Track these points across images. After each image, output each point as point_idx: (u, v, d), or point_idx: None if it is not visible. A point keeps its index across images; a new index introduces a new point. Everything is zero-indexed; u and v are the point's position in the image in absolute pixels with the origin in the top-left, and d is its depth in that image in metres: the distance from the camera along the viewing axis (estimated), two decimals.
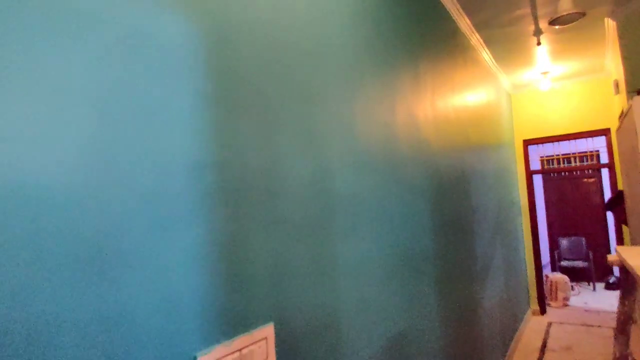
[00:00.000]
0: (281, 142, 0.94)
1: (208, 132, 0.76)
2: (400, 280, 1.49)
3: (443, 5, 2.27)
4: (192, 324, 0.69)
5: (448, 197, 2.12)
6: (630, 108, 2.16)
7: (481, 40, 2.91)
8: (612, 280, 5.01)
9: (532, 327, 3.80)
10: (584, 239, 5.57)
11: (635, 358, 1.52)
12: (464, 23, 2.56)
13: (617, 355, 0.91)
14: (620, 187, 3.75)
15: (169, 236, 0.67)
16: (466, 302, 2.27)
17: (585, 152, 4.56)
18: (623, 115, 2.49)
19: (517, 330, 3.49)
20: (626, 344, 0.90)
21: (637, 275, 0.64)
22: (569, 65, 3.59)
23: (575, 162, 4.58)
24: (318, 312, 1.01)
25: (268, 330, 0.82)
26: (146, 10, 0.67)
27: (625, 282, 0.89)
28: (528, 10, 2.47)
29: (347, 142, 1.22)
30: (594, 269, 5.25)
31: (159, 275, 0.65)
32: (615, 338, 0.92)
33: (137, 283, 0.62)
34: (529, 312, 4.11)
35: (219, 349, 0.72)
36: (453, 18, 2.42)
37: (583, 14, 2.04)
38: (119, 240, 0.60)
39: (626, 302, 0.85)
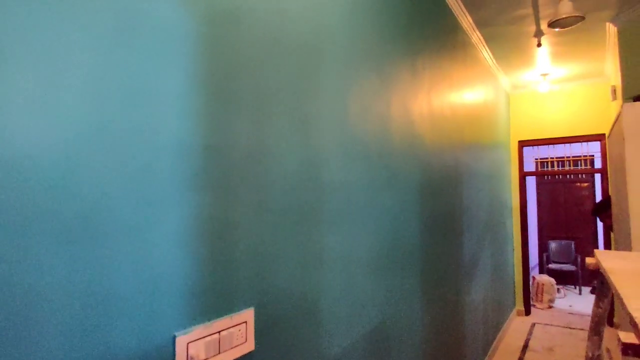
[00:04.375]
0: (272, 130, 0.95)
1: (198, 116, 0.76)
2: (384, 273, 1.51)
3: (444, 1, 2.26)
4: (173, 303, 0.70)
5: (439, 194, 2.13)
6: (619, 114, 2.18)
7: (482, 38, 2.91)
8: None
9: (516, 327, 3.86)
10: (573, 242, 5.63)
11: (612, 357, 1.55)
12: (465, 20, 2.56)
13: (590, 355, 0.93)
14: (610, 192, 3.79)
15: (156, 215, 0.67)
16: (450, 299, 2.30)
17: (580, 156, 4.60)
18: (614, 122, 2.51)
19: (500, 329, 3.54)
20: (599, 345, 0.92)
21: (609, 277, 0.66)
22: (569, 68, 3.60)
23: (570, 165, 4.62)
24: (300, 300, 1.02)
25: (248, 315, 0.83)
26: None
27: (600, 285, 0.91)
28: (530, 10, 2.46)
29: (339, 133, 1.22)
30: (581, 273, 5.32)
31: (144, 253, 0.65)
32: (588, 339, 0.94)
33: (122, 260, 0.62)
34: (514, 312, 4.16)
35: (198, 330, 0.73)
36: (454, 14, 2.41)
37: (582, 18, 2.04)
38: (106, 217, 0.61)
39: (600, 304, 0.87)
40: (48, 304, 0.54)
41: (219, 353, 0.76)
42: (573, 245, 5.60)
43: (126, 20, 0.65)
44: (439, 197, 2.12)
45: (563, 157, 4.75)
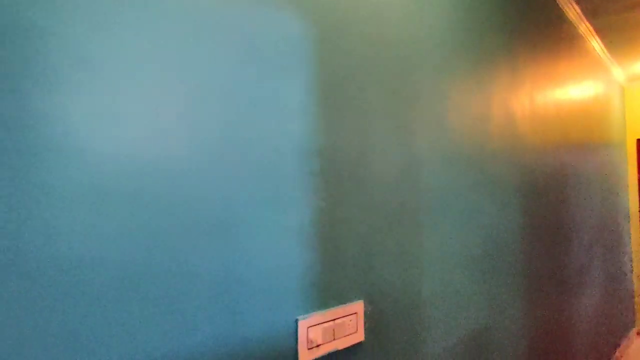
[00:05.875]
0: (375, 135, 1.00)
1: (313, 122, 0.84)
2: (482, 278, 1.47)
3: None
4: (294, 291, 0.78)
5: (541, 199, 2.00)
6: None
7: (591, 29, 2.66)
8: None
9: (637, 349, 3.41)
10: None
11: None
12: (572, 10, 2.36)
13: None
14: None
15: (278, 213, 0.76)
16: (554, 310, 2.13)
17: None
18: None
19: (615, 351, 3.16)
20: None
21: None
22: None
23: None
24: (401, 297, 1.05)
25: (358, 306, 0.89)
26: (264, 13, 0.77)
27: None
28: None
29: (437, 136, 1.23)
30: None
31: (269, 246, 0.75)
32: None
33: (251, 251, 0.72)
34: (633, 332, 3.68)
35: (316, 316, 0.80)
36: (559, 5, 2.25)
37: None
38: (237, 213, 0.71)
39: None
40: (195, 285, 0.65)
41: (334, 339, 0.82)
42: None
43: (255, 41, 0.75)
44: (541, 202, 1.99)
45: None
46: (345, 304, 0.87)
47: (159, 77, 0.63)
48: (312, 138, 0.83)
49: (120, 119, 0.58)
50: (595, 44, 2.85)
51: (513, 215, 1.69)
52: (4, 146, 0.50)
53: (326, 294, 0.84)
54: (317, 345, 0.79)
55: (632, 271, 3.76)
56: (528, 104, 1.86)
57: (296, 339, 0.77)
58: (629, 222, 3.77)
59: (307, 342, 0.78)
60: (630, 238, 3.76)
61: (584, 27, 2.59)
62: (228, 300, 0.68)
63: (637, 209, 3.77)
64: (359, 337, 0.88)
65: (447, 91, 1.28)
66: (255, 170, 0.74)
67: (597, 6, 2.36)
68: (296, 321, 0.77)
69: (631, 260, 3.77)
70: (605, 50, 3.02)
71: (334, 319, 0.83)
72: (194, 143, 0.66)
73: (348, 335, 0.86)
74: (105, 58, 0.58)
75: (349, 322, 0.86)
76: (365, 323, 0.91)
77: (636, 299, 3.75)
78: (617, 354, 3.12)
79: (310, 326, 0.79)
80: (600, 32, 2.72)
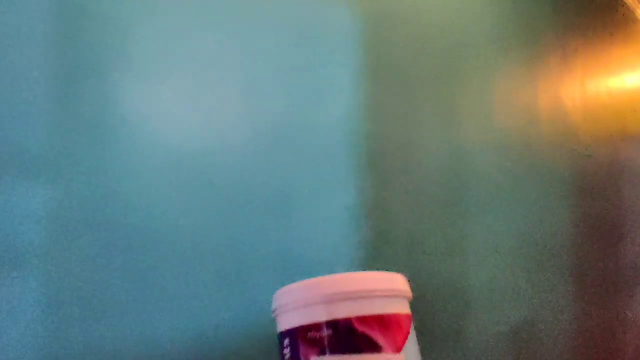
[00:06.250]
0: (421, 121, 1.01)
1: (361, 107, 0.86)
2: (530, 271, 1.43)
3: None
4: (343, 267, 0.81)
5: (594, 193, 1.91)
6: None
7: None
8: None
9: None
10: None
11: None
12: None
13: None
14: None
15: (328, 194, 0.79)
16: (605, 309, 2.03)
17: None
18: None
19: None
20: None
21: None
22: None
23: None
24: (444, 282, 1.06)
25: None
26: (316, 2, 0.80)
27: None
28: None
29: (483, 125, 1.22)
30: None
31: (321, 225, 0.78)
32: None
33: (303, 229, 0.76)
34: None
35: None
36: None
37: None
38: (292, 194, 0.75)
39: None
40: (255, 260, 0.70)
41: None
42: None
43: (307, 28, 0.79)
44: (593, 195, 1.90)
45: None
46: None
47: (225, 73, 0.67)
48: (360, 123, 0.86)
49: (194, 105, 0.64)
50: None
51: (563, 208, 1.63)
52: (94, 134, 0.56)
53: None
54: None
55: None
56: (579, 93, 1.79)
57: None
58: None
59: None
60: None
61: None
62: (285, 275, 0.72)
63: None
64: None
65: (494, 80, 1.26)
66: (309, 153, 0.77)
67: None
68: None
69: None
70: None
71: None
72: (254, 128, 0.70)
73: None
74: (183, 53, 0.63)
75: None
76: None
77: None
78: None
79: None
80: None
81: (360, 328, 0.36)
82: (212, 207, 0.65)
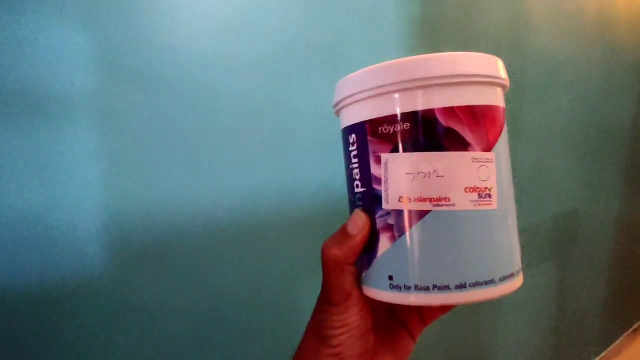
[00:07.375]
0: None
1: None
2: (581, 157, 1.34)
3: None
4: None
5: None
6: None
7: None
8: None
9: None
10: None
11: None
12: None
13: None
14: None
15: None
16: None
17: None
18: None
19: None
20: None
21: None
22: None
23: None
24: None
25: None
26: None
27: None
28: None
29: None
30: None
31: None
32: None
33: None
34: None
35: None
36: None
37: None
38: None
39: None
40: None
41: None
42: None
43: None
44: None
45: None
46: None
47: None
48: None
49: None
50: None
51: (628, 96, 1.47)
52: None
53: None
54: None
55: None
56: None
57: None
58: None
59: None
60: None
61: None
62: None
63: None
64: None
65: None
66: None
67: None
68: None
69: None
70: None
71: None
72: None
73: None
74: None
75: None
76: None
77: None
78: None
79: None
80: None
81: (445, 121, 0.29)
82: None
